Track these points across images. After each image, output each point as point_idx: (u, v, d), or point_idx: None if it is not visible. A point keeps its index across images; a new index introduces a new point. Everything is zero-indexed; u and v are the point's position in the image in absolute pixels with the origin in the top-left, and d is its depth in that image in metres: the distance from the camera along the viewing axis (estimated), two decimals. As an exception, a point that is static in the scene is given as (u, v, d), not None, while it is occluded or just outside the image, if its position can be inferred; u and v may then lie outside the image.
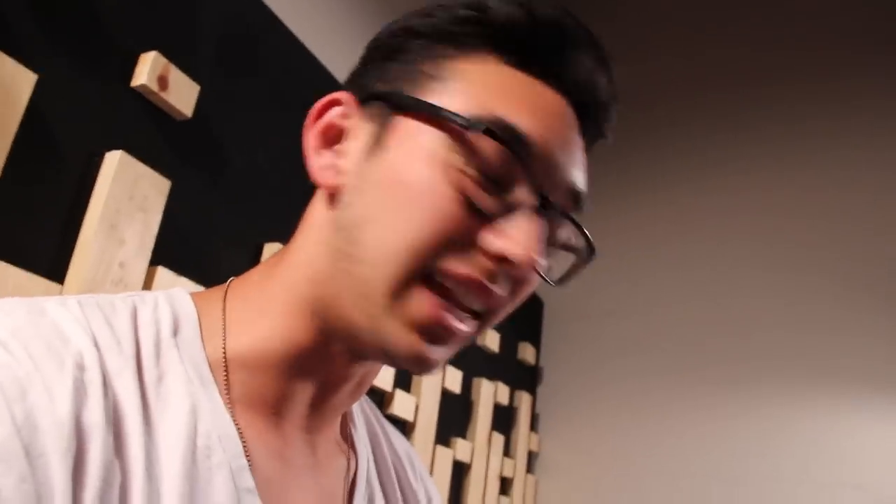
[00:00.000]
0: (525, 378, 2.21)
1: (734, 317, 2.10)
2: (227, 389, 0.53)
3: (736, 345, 2.07)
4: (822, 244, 2.06)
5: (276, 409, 0.56)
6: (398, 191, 0.51)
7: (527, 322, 2.29)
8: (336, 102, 0.58)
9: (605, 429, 2.17)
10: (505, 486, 2.04)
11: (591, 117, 0.58)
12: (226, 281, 0.60)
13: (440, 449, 1.67)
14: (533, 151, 0.52)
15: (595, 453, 2.16)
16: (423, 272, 0.50)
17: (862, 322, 1.95)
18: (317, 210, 0.57)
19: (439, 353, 0.52)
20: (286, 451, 0.57)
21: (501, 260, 0.50)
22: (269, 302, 0.56)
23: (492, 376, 1.97)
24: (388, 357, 0.52)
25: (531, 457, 2.21)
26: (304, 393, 0.57)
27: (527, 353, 2.21)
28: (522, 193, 0.52)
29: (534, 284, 0.57)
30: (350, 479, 0.64)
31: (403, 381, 1.54)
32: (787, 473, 1.91)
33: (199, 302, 0.57)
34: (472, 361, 1.89)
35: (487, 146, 0.51)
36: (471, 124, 0.50)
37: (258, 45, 1.14)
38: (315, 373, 0.56)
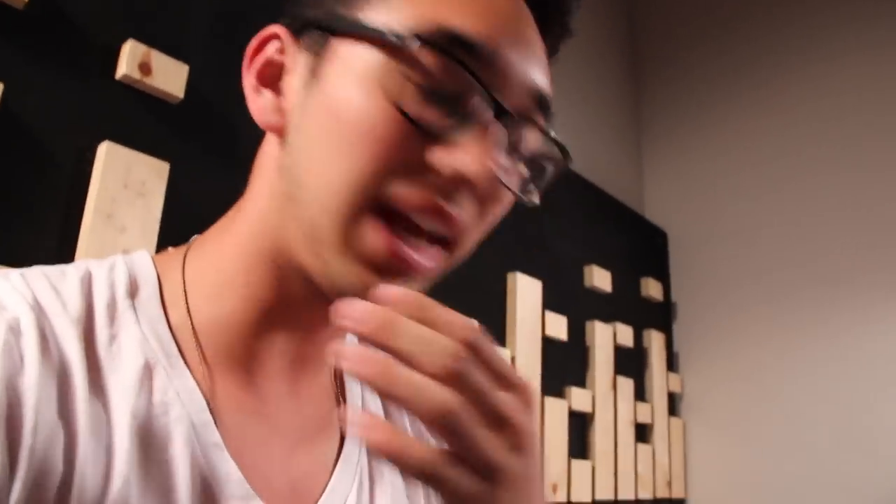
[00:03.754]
0: (653, 316, 2.08)
1: (874, 220, 1.85)
2: (193, 349, 0.52)
3: (881, 249, 1.82)
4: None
5: (247, 367, 0.54)
6: (334, 122, 0.48)
7: (649, 257, 2.14)
8: (273, 37, 0.54)
9: (751, 359, 1.99)
10: (642, 432, 1.92)
11: (550, 14, 0.54)
12: None
13: (551, 401, 1.60)
14: (481, 55, 0.47)
15: (743, 386, 1.99)
16: (373, 204, 0.47)
17: None
18: (265, 155, 0.55)
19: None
20: (263, 408, 0.55)
21: (456, 177, 0.46)
22: (226, 256, 0.54)
23: (607, 318, 1.86)
24: (340, 296, 0.47)
25: (673, 399, 2.07)
26: (277, 347, 0.55)
27: (652, 289, 2.07)
28: (475, 103, 0.47)
29: (505, 200, 0.52)
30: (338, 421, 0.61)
31: (492, 334, 1.48)
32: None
33: (161, 263, 0.56)
34: (581, 305, 1.79)
35: (429, 59, 0.46)
36: (405, 40, 0.46)
37: (249, 17, 1.12)
38: (285, 325, 0.54)
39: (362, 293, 0.46)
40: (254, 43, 0.54)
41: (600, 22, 2.36)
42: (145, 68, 0.98)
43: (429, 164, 0.47)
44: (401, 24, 0.47)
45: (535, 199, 0.54)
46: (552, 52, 0.57)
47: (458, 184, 0.46)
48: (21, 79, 0.87)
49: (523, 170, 0.54)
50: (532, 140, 0.53)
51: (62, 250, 0.88)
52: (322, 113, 0.49)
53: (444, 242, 0.50)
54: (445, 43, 0.46)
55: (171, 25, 1.04)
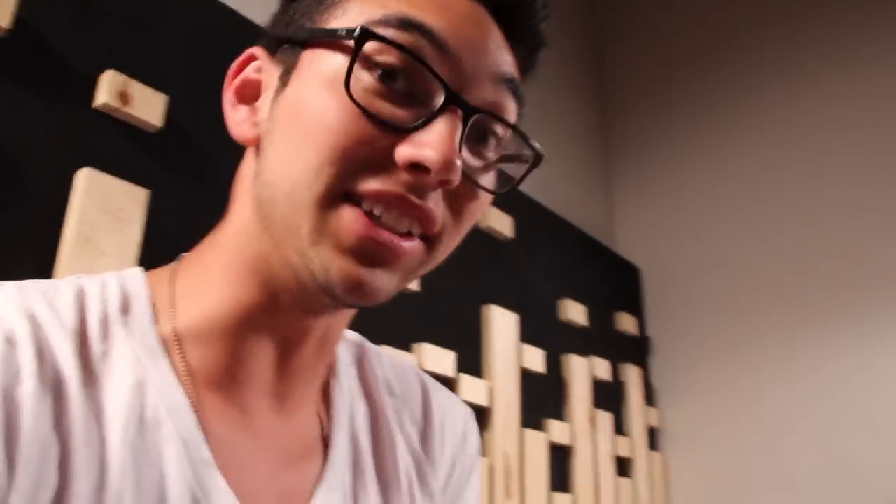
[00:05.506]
0: (629, 350, 2.09)
1: (846, 248, 1.89)
2: (183, 364, 0.52)
3: (852, 270, 1.87)
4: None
5: (233, 377, 0.54)
6: (296, 118, 0.50)
7: (623, 292, 2.17)
8: (251, 58, 0.57)
9: (730, 392, 2.00)
10: (624, 466, 1.92)
11: (513, 18, 0.54)
12: None
13: (530, 433, 1.60)
14: (436, 39, 0.48)
15: (723, 420, 2.00)
16: (342, 194, 0.48)
17: None
18: (244, 168, 0.57)
19: (380, 277, 0.49)
20: (250, 422, 0.55)
21: (415, 167, 0.47)
22: (212, 269, 0.55)
23: (584, 352, 1.87)
24: (325, 291, 0.49)
25: (653, 433, 2.07)
26: (261, 356, 0.55)
27: (627, 323, 2.09)
28: (434, 96, 0.49)
29: (478, 198, 0.53)
30: (325, 438, 0.61)
31: (469, 367, 1.49)
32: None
33: (152, 280, 0.56)
34: (556, 338, 1.80)
35: (384, 53, 0.48)
36: (349, 32, 0.48)
37: (227, 47, 1.15)
38: (268, 332, 0.55)
39: (346, 283, 0.48)
40: (234, 65, 0.58)
41: (568, 56, 2.42)
42: (124, 97, 0.99)
43: (391, 159, 0.47)
44: (351, 25, 0.49)
45: (501, 189, 0.55)
46: (526, 65, 0.58)
47: (421, 175, 0.47)
48: (2, 105, 0.88)
49: (493, 165, 0.55)
50: (501, 130, 0.54)
51: (41, 274, 0.88)
52: (286, 113, 0.50)
53: (423, 240, 0.51)
54: (401, 30, 0.48)
55: (149, 56, 1.06)
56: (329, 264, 0.48)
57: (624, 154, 2.43)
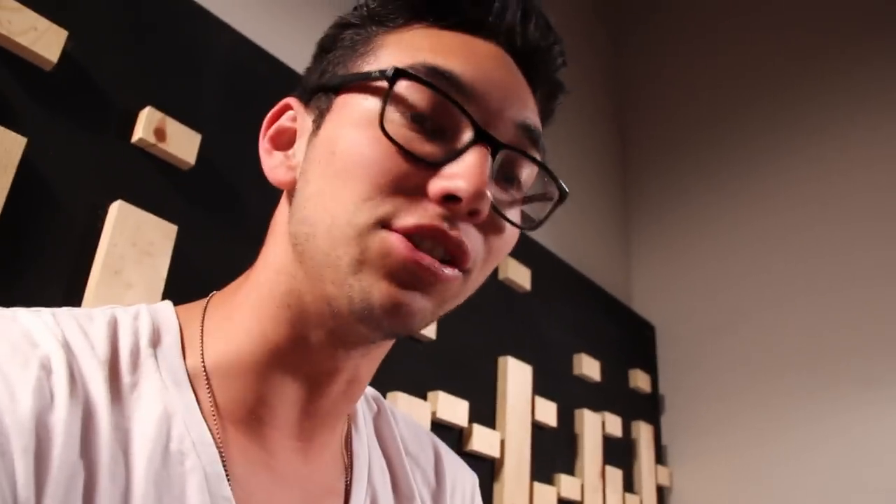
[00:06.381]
0: (642, 407, 2.07)
1: (862, 308, 1.88)
2: (210, 399, 0.53)
3: (867, 336, 1.85)
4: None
5: (257, 415, 0.55)
6: (333, 158, 0.51)
7: (637, 349, 2.16)
8: (286, 108, 0.60)
9: (740, 454, 1.97)
10: (632, 525, 1.89)
11: (535, 64, 0.58)
12: None
13: (540, 486, 1.58)
14: (465, 89, 0.51)
15: (733, 481, 1.96)
16: (379, 225, 0.49)
17: None
18: (279, 212, 0.59)
19: (419, 300, 0.50)
20: (271, 462, 0.55)
21: (447, 199, 0.49)
22: (241, 305, 0.56)
23: (597, 407, 1.86)
24: (364, 317, 0.49)
25: (661, 492, 2.04)
26: (287, 396, 0.56)
27: (640, 380, 2.08)
28: (463, 134, 0.51)
29: (507, 232, 0.55)
30: (345, 487, 0.61)
31: (482, 417, 1.48)
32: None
33: (182, 314, 0.58)
34: (570, 392, 1.79)
35: (412, 92, 0.50)
36: (384, 73, 0.50)
37: (262, 90, 1.18)
38: (295, 371, 0.55)
39: (386, 305, 0.49)
40: (270, 114, 0.60)
41: (591, 113, 2.46)
42: (160, 134, 1.01)
43: (425, 193, 0.49)
44: (384, 68, 0.51)
45: (529, 225, 0.57)
46: (546, 112, 0.61)
47: (452, 205, 0.49)
48: (43, 135, 0.90)
49: (519, 202, 0.56)
50: (526, 173, 0.56)
51: (68, 303, 0.89)
52: (321, 153, 0.53)
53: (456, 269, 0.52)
54: (430, 76, 0.50)
55: (187, 96, 1.09)
56: (371, 288, 0.48)
57: (643, 212, 2.44)
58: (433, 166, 0.49)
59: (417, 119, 0.50)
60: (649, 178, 2.48)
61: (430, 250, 0.49)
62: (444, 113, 0.51)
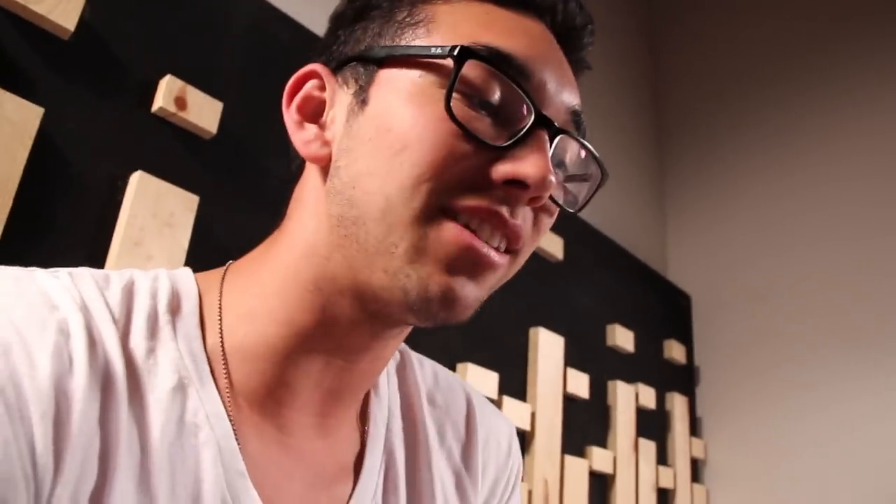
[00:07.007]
0: (676, 379, 2.04)
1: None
2: (226, 377, 0.52)
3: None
4: None
5: (276, 397, 0.54)
6: (388, 137, 0.50)
7: (672, 319, 2.12)
8: (311, 75, 0.57)
9: (776, 425, 1.93)
10: (665, 497, 1.87)
11: (571, 42, 0.57)
12: None
13: (571, 459, 1.56)
14: (523, 71, 0.50)
15: (769, 453, 1.93)
16: (438, 209, 0.48)
17: None
18: (308, 186, 0.56)
19: (471, 290, 0.50)
20: (287, 440, 0.55)
21: (513, 184, 0.48)
22: (265, 286, 0.55)
23: (630, 378, 1.83)
24: (419, 307, 0.49)
25: (696, 464, 2.01)
26: (311, 377, 0.55)
27: (675, 351, 2.04)
28: (523, 116, 0.50)
29: (553, 214, 0.55)
30: (358, 459, 0.60)
31: (513, 389, 1.46)
32: None
33: (202, 283, 0.56)
34: (602, 364, 1.76)
35: (474, 72, 0.49)
36: (449, 51, 0.49)
37: (285, 58, 1.15)
38: (321, 354, 0.54)
39: (444, 297, 0.48)
40: (292, 81, 0.57)
41: (627, 82, 2.39)
42: (181, 103, 0.99)
43: (488, 176, 0.48)
44: (444, 45, 0.50)
45: (573, 209, 0.57)
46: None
47: (517, 190, 0.48)
48: (61, 106, 0.89)
49: (562, 182, 0.56)
50: (571, 156, 0.56)
51: (89, 276, 0.89)
52: (373, 131, 0.50)
53: (505, 252, 0.52)
54: (495, 59, 0.49)
55: (207, 63, 1.06)
56: (429, 279, 0.48)
57: (679, 179, 2.39)
58: (497, 150, 0.48)
59: (477, 100, 0.49)
60: (686, 144, 2.41)
61: (488, 237, 0.49)
62: (504, 95, 0.50)
